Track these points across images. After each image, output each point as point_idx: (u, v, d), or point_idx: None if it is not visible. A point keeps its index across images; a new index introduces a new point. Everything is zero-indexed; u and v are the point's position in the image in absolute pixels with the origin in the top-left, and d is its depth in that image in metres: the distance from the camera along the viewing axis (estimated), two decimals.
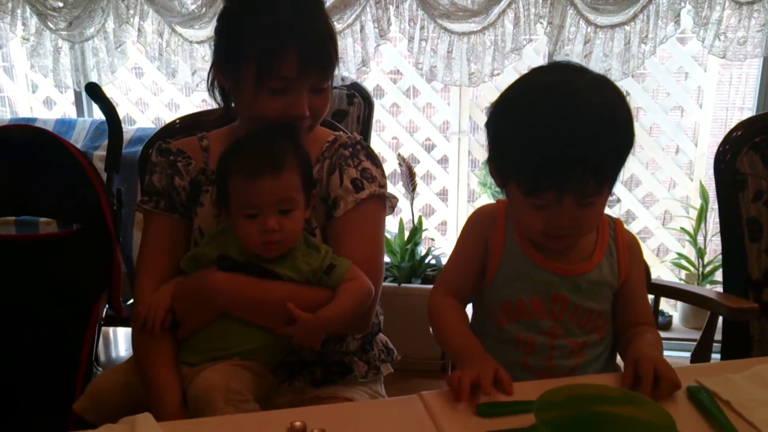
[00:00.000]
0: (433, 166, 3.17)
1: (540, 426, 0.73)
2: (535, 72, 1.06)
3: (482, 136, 3.14)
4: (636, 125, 1.01)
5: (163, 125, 2.52)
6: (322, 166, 1.28)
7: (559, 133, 0.94)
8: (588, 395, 0.81)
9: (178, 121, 1.52)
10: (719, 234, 1.45)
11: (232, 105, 1.28)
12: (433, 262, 2.73)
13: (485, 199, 3.18)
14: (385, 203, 1.30)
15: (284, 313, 1.12)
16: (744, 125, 1.52)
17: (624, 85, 2.45)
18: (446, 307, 1.14)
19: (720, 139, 1.49)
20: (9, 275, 1.42)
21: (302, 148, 1.21)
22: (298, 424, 0.79)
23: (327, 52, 1.17)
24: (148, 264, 1.26)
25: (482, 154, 3.15)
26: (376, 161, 1.31)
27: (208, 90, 1.30)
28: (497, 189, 3.08)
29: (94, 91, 1.63)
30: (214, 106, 1.34)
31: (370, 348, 1.34)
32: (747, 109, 2.95)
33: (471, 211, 3.16)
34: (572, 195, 0.96)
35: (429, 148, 3.17)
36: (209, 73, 1.28)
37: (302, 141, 1.23)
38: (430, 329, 1.17)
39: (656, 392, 0.92)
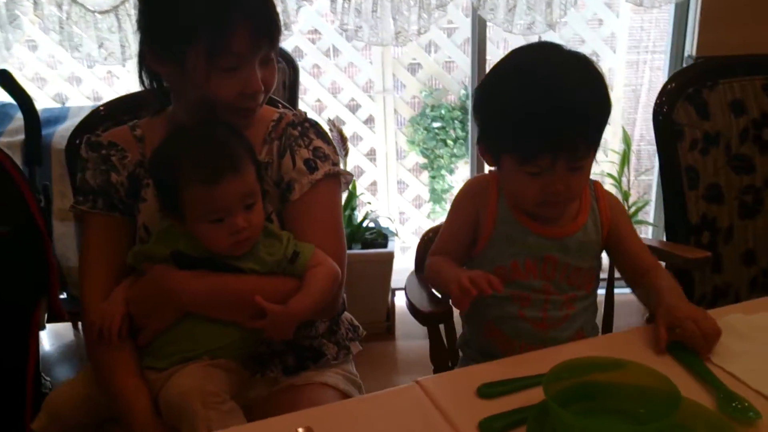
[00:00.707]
0: (360, 127, 3.13)
1: (549, 402, 0.74)
2: (516, 53, 1.12)
3: (407, 93, 3.11)
4: None
5: (84, 113, 2.38)
6: (270, 148, 1.22)
7: (547, 102, 1.01)
8: (590, 365, 0.82)
9: (102, 108, 1.42)
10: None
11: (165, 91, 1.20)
12: (371, 225, 2.71)
13: (414, 156, 3.18)
14: (340, 180, 1.26)
15: (252, 306, 1.07)
16: (677, 77, 1.56)
17: (544, 37, 2.47)
18: (440, 260, 1.20)
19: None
20: None
21: (239, 131, 1.15)
22: (300, 430, 0.76)
23: (274, 19, 1.11)
24: (93, 268, 1.17)
25: (408, 111, 3.13)
26: (326, 138, 1.26)
27: (139, 78, 1.20)
28: (425, 146, 3.09)
29: (5, 80, 1.48)
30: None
31: (337, 328, 1.31)
32: (659, 53, 3.04)
33: (400, 169, 3.18)
34: (565, 159, 1.03)
35: (354, 108, 3.12)
36: (138, 59, 1.18)
37: (251, 121, 1.17)
38: (431, 287, 1.25)
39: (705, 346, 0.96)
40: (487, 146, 1.14)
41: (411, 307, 1.21)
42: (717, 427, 0.75)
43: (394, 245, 2.64)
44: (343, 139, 2.56)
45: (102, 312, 1.10)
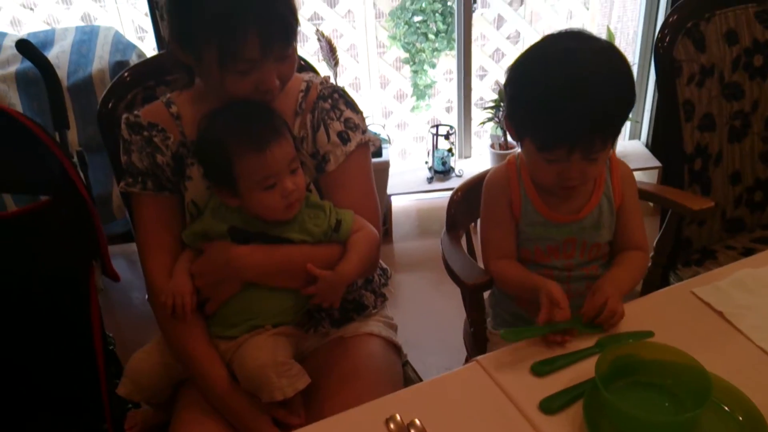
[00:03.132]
0: (339, 22, 3.09)
1: (604, 395, 0.88)
2: (548, 39, 1.14)
3: None
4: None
5: (69, 34, 2.31)
6: (303, 122, 1.27)
7: (570, 98, 1.05)
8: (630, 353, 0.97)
9: (126, 74, 1.42)
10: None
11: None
12: None
13: (395, 50, 3.17)
14: (369, 147, 1.33)
15: (305, 274, 1.18)
16: (677, 10, 1.61)
17: None
18: (503, 268, 1.26)
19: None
20: None
21: (265, 104, 1.21)
22: (397, 417, 0.90)
23: (287, 22, 1.12)
24: (152, 247, 1.25)
25: (388, 5, 3.09)
26: (355, 107, 1.32)
27: (167, 59, 1.23)
28: (406, 41, 3.08)
29: (26, 49, 1.45)
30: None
31: (372, 277, 1.43)
32: None
33: (382, 64, 3.18)
34: (580, 152, 1.09)
35: (332, 3, 3.06)
36: (165, 43, 1.20)
37: (273, 100, 1.22)
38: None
39: (607, 323, 1.09)
40: (512, 123, 1.18)
41: (454, 277, 1.31)
42: (747, 408, 0.90)
43: (388, 153, 2.72)
44: (332, 49, 2.55)
45: (172, 290, 1.19)
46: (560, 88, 1.05)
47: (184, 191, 1.26)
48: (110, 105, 1.40)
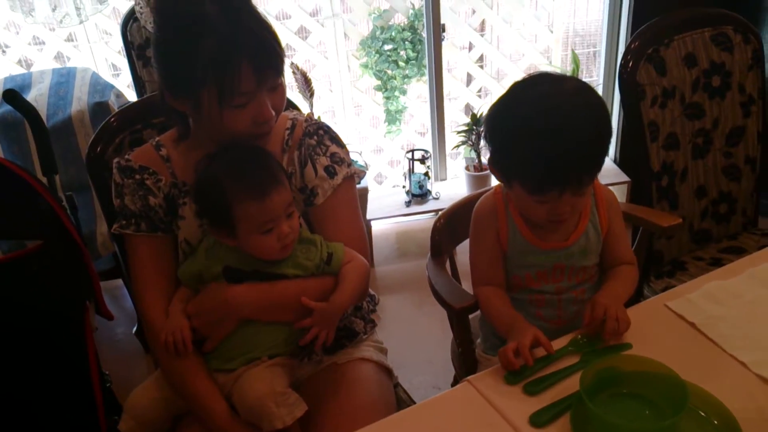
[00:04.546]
0: (312, 54, 3.16)
1: (582, 393, 0.95)
2: (521, 87, 1.16)
3: (356, 16, 3.13)
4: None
5: (47, 77, 2.34)
6: (291, 158, 1.33)
7: (556, 145, 1.08)
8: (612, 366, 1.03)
9: (113, 119, 1.46)
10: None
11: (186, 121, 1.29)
12: None
13: (367, 79, 3.25)
14: (355, 179, 1.39)
15: (300, 307, 1.23)
16: (638, 36, 1.70)
17: None
18: (489, 296, 1.30)
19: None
20: None
21: (266, 150, 1.27)
22: None
23: (275, 52, 1.18)
24: (148, 286, 1.29)
25: (358, 35, 3.16)
26: (339, 142, 1.38)
27: (161, 108, 1.28)
28: (378, 69, 3.16)
29: (12, 98, 1.49)
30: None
31: (361, 304, 1.49)
32: None
33: (355, 92, 3.24)
34: (570, 191, 1.12)
35: (305, 35, 3.13)
36: (159, 95, 1.25)
37: (268, 140, 1.27)
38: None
39: (613, 330, 1.14)
40: (498, 169, 1.21)
41: (441, 300, 1.36)
42: (721, 413, 0.96)
43: (366, 180, 2.78)
44: (307, 81, 2.62)
45: (170, 328, 1.23)
46: (546, 136, 1.08)
47: (176, 231, 1.31)
48: (98, 149, 1.44)
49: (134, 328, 2.49)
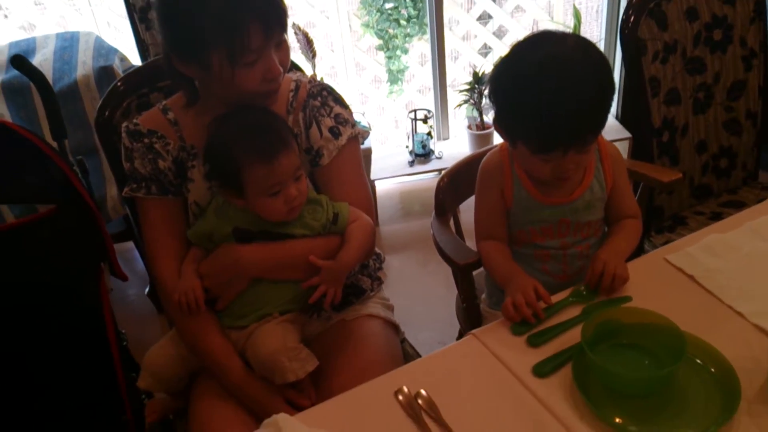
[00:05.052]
0: (313, 14, 3.14)
1: (583, 344, 0.99)
2: (523, 48, 1.17)
3: None
4: None
5: (50, 41, 2.34)
6: (296, 119, 1.35)
7: (562, 104, 1.09)
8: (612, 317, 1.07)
9: (120, 83, 1.48)
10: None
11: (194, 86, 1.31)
12: None
13: (369, 38, 3.23)
14: (359, 139, 1.41)
15: (308, 265, 1.27)
16: None
17: None
18: (489, 249, 1.34)
19: None
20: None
21: (275, 113, 1.29)
22: (405, 389, 1.01)
23: (281, 7, 1.19)
24: (160, 248, 1.33)
25: None
26: (343, 103, 1.39)
27: (167, 73, 1.29)
28: (379, 28, 3.14)
29: (20, 64, 1.50)
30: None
31: (367, 262, 1.52)
32: None
33: (357, 52, 3.24)
34: (575, 149, 1.14)
35: None
36: (164, 59, 1.26)
37: (275, 99, 1.29)
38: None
39: (608, 287, 1.18)
40: (503, 129, 1.22)
41: (446, 257, 1.40)
42: (719, 362, 1.00)
43: (369, 140, 2.79)
44: (309, 42, 2.62)
45: (183, 288, 1.27)
46: (551, 95, 1.09)
47: (186, 193, 1.33)
48: (107, 113, 1.46)
49: (146, 289, 2.52)
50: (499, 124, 1.23)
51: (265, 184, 1.21)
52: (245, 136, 1.21)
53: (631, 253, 1.28)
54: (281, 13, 1.19)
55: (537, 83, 1.10)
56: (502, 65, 1.19)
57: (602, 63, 1.14)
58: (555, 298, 1.19)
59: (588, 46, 1.15)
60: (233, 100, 1.25)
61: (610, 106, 1.15)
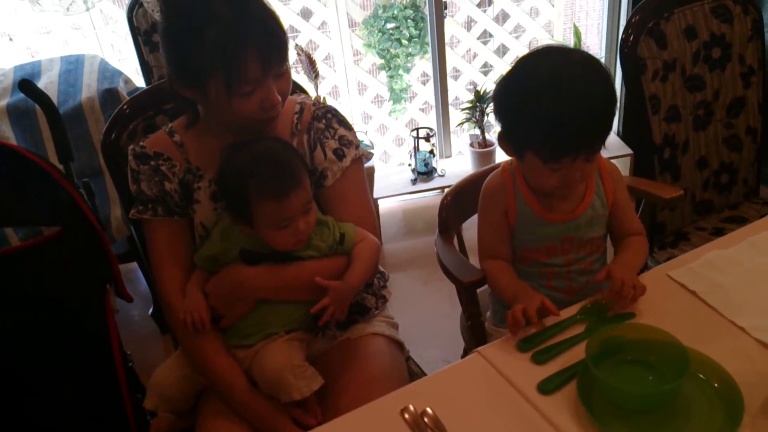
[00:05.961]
0: (315, 34, 3.17)
1: (588, 360, 1.00)
2: (530, 61, 1.20)
3: None
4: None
5: (55, 65, 2.37)
6: (300, 141, 1.37)
7: (573, 114, 1.12)
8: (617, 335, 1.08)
9: (126, 106, 1.50)
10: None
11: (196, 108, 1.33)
12: None
13: (371, 57, 3.26)
14: (363, 160, 1.43)
15: (315, 287, 1.27)
16: (639, 11, 1.72)
17: None
18: (494, 270, 1.35)
19: None
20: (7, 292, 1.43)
21: (288, 143, 1.30)
22: (411, 407, 1.01)
23: (281, 39, 1.20)
24: (166, 270, 1.34)
25: (360, 14, 3.17)
26: (347, 124, 1.41)
27: (170, 96, 1.31)
28: (381, 47, 3.17)
29: (28, 88, 1.52)
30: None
31: (372, 281, 1.53)
32: None
33: (358, 71, 3.26)
34: (584, 157, 1.17)
35: (307, 16, 3.14)
36: (168, 83, 1.28)
37: (275, 125, 1.30)
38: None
39: (630, 297, 1.19)
40: (510, 143, 1.25)
41: (450, 276, 1.40)
42: (722, 377, 1.01)
43: (372, 159, 2.81)
44: (312, 62, 2.64)
45: (189, 308, 1.28)
46: (560, 103, 1.12)
47: (192, 214, 1.35)
48: (113, 136, 1.48)
49: (150, 310, 2.55)
50: (506, 137, 1.25)
51: (274, 218, 1.22)
52: (258, 170, 1.21)
53: (640, 269, 1.29)
54: (281, 45, 1.20)
55: (547, 91, 1.14)
56: (508, 78, 1.21)
57: (607, 73, 1.18)
58: (563, 314, 1.20)
59: (592, 58, 1.19)
60: (233, 126, 1.27)
61: (615, 112, 1.19)
